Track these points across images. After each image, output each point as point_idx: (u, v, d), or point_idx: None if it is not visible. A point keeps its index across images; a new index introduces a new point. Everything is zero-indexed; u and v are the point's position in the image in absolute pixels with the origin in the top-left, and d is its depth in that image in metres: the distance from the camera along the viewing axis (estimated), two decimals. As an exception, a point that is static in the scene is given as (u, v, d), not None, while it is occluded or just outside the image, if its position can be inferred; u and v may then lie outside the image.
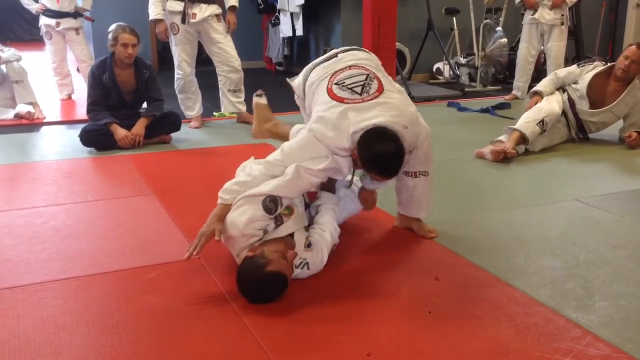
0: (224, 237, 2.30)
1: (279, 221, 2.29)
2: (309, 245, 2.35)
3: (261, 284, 2.11)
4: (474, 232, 2.87)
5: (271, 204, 2.21)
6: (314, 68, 2.61)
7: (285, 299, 2.19)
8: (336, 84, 2.41)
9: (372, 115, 2.27)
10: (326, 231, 2.44)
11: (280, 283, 2.14)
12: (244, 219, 2.20)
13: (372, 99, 2.33)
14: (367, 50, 2.70)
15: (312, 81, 2.55)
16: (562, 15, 6.23)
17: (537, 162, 4.11)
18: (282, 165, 2.31)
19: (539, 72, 6.96)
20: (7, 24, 13.50)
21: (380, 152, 2.23)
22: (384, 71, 2.63)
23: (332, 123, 2.28)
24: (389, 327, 2.04)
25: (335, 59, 2.58)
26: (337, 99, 2.35)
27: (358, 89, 2.36)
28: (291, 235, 2.33)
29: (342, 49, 2.67)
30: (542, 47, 6.57)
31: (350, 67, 2.49)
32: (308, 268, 2.32)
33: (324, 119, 2.31)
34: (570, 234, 2.84)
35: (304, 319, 2.08)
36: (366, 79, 2.40)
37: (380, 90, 2.37)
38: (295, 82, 2.72)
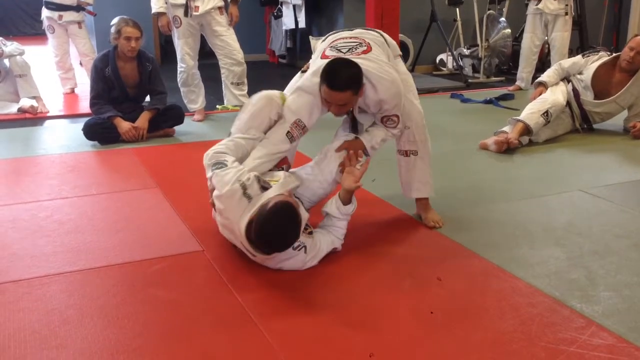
0: (225, 231, 2.34)
1: (265, 185, 2.33)
2: (310, 233, 2.36)
3: (272, 214, 2.12)
4: (477, 223, 2.87)
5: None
6: (331, 35, 2.78)
7: (289, 291, 2.20)
8: (330, 46, 2.63)
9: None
10: (332, 233, 2.47)
11: (289, 207, 2.15)
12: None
13: (356, 56, 2.51)
14: (383, 34, 2.77)
15: (322, 47, 2.71)
16: (566, 5, 6.20)
17: (541, 152, 4.10)
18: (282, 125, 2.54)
19: (543, 62, 6.93)
20: (9, 19, 13.50)
21: (334, 63, 2.42)
22: (393, 51, 2.74)
23: (315, 70, 2.50)
24: (392, 319, 2.04)
25: (350, 31, 2.74)
26: (325, 58, 2.54)
27: (345, 49, 2.57)
28: None
29: (362, 29, 2.80)
30: (546, 38, 6.53)
31: (351, 37, 2.66)
32: (305, 252, 2.31)
33: (309, 74, 2.56)
34: (575, 224, 2.84)
35: (309, 311, 2.09)
36: (358, 44, 2.58)
37: (367, 52, 2.53)
38: (317, 42, 2.88)
